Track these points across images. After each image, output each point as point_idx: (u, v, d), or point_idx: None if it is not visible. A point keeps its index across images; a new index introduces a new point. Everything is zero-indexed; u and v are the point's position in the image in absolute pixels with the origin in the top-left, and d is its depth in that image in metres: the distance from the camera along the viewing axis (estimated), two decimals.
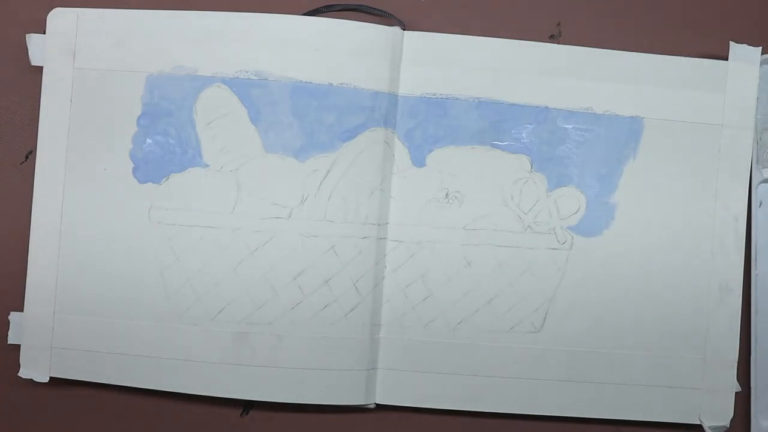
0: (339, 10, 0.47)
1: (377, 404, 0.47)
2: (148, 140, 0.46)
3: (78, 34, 0.46)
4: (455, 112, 0.46)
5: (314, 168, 0.46)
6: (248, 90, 0.46)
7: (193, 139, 0.46)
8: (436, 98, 0.46)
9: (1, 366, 0.47)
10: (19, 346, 0.46)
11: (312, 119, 0.45)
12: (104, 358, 0.46)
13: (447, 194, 0.46)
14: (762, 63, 0.46)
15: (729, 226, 0.47)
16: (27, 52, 0.46)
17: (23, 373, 0.46)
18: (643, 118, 0.47)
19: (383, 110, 0.46)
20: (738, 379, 0.47)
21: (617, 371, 0.47)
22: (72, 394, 0.47)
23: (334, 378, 0.46)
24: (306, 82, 0.45)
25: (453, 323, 0.47)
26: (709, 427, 0.46)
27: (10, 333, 0.46)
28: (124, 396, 0.47)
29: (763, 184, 0.47)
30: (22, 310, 0.46)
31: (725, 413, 0.47)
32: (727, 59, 0.47)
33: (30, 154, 0.48)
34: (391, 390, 0.47)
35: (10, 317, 0.46)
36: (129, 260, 0.46)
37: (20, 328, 0.46)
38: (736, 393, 0.47)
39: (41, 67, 0.46)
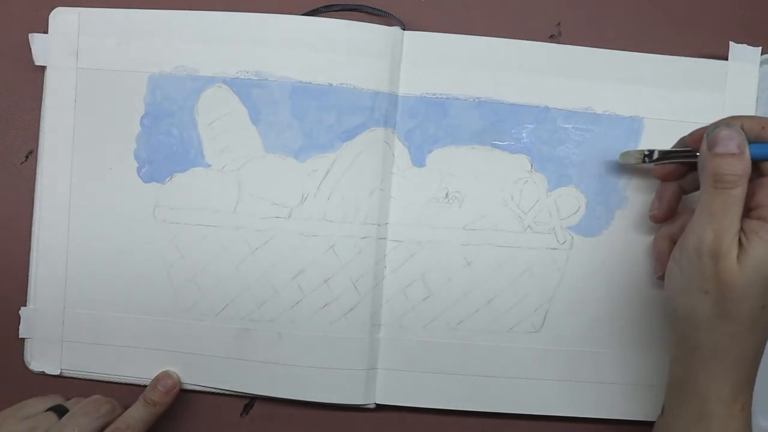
0: (339, 10, 0.47)
1: (377, 404, 0.47)
2: (152, 140, 0.46)
3: (80, 34, 0.46)
4: (455, 112, 0.46)
5: (314, 168, 0.46)
6: (248, 90, 0.46)
7: (195, 139, 0.46)
8: (436, 98, 0.46)
9: (11, 358, 0.48)
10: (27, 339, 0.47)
11: (312, 119, 0.46)
12: (112, 352, 0.47)
13: (447, 194, 0.46)
14: (762, 63, 0.46)
15: None
16: (28, 52, 0.46)
17: (35, 366, 0.47)
18: (643, 118, 0.47)
19: (383, 110, 0.46)
20: None
21: (617, 371, 0.47)
22: (80, 385, 0.48)
23: (333, 377, 0.46)
24: (306, 82, 0.46)
25: (453, 323, 0.47)
26: None
27: (21, 327, 0.47)
28: (131, 389, 0.47)
29: None
30: (25, 305, 0.47)
31: None
32: (727, 59, 0.47)
33: (30, 154, 0.48)
34: (391, 390, 0.47)
35: (20, 312, 0.47)
36: (136, 258, 0.47)
37: (31, 322, 0.47)
38: None
39: (41, 67, 0.47)
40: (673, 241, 0.41)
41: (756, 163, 0.37)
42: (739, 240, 0.36)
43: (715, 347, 0.38)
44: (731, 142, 0.36)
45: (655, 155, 0.43)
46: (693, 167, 0.41)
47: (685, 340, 0.39)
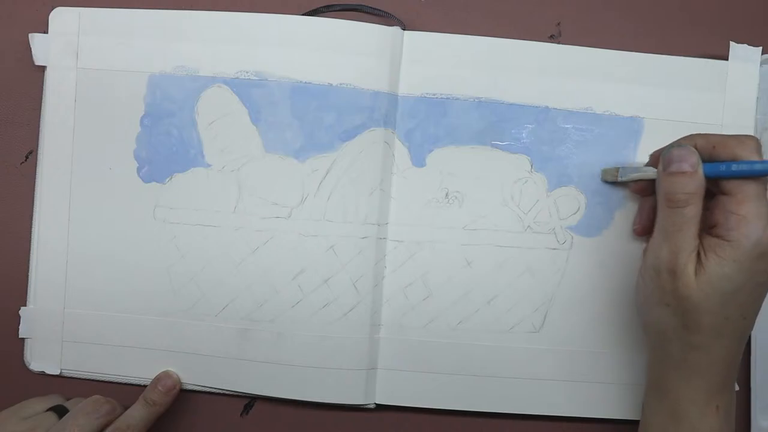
0: (339, 10, 0.47)
1: (377, 404, 0.47)
2: (152, 140, 0.46)
3: (80, 34, 0.46)
4: (455, 112, 0.46)
5: (314, 168, 0.46)
6: (248, 90, 0.46)
7: (195, 140, 0.46)
8: (436, 98, 0.46)
9: (11, 358, 0.48)
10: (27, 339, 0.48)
11: (312, 119, 0.46)
12: (112, 352, 0.47)
13: (447, 194, 0.46)
14: (762, 63, 0.46)
15: None
16: (28, 52, 0.46)
17: (35, 366, 0.47)
18: (643, 118, 0.46)
19: (383, 110, 0.46)
20: (738, 379, 0.46)
21: (616, 371, 0.47)
22: (80, 385, 0.48)
23: (333, 377, 0.46)
24: (306, 82, 0.46)
25: (453, 323, 0.47)
26: None
27: (21, 327, 0.47)
28: (131, 389, 0.47)
29: None
30: (25, 305, 0.47)
31: None
32: (727, 59, 0.46)
33: (30, 154, 0.48)
34: (391, 390, 0.47)
35: (21, 312, 0.47)
36: (136, 258, 0.47)
37: (31, 322, 0.47)
38: (735, 392, 0.46)
39: (41, 67, 0.47)
40: None
41: (715, 181, 0.37)
42: (699, 256, 0.37)
43: (683, 355, 0.38)
44: (683, 162, 0.37)
45: (620, 174, 0.44)
46: None
47: (656, 348, 0.41)
